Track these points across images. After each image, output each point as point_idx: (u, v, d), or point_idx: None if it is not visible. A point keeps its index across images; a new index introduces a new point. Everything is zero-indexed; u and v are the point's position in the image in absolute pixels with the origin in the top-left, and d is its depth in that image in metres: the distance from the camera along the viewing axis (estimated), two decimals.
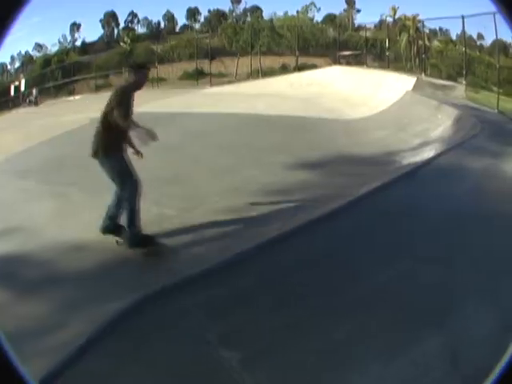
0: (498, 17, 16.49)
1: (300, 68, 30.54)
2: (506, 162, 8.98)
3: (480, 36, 38.44)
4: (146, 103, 15.30)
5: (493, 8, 2.40)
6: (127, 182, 6.28)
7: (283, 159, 10.51)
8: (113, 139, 6.31)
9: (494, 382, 1.86)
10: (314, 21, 44.30)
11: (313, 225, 6.35)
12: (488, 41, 34.44)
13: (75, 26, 47.98)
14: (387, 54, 28.84)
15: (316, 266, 5.57)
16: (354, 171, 9.44)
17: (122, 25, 51.52)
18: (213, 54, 37.06)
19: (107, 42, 47.99)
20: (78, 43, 47.50)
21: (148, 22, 52.70)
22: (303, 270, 5.46)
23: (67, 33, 48.45)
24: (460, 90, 19.91)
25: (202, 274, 5.49)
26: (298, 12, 44.99)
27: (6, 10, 1.84)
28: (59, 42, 47.42)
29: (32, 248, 6.72)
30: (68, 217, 7.93)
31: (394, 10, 39.22)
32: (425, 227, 6.57)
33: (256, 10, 49.74)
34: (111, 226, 6.53)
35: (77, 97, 32.44)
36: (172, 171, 9.65)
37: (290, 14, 45.34)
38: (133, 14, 51.78)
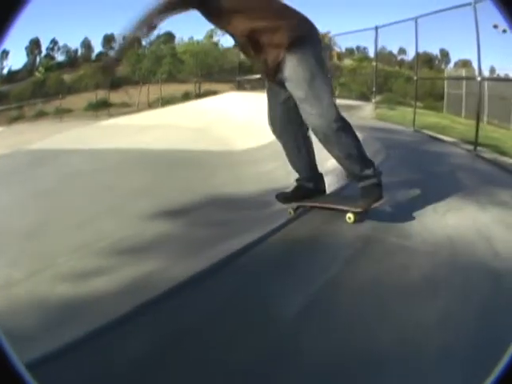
0: (421, 25, 14.97)
1: (202, 95, 29.01)
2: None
3: (402, 51, 38.18)
4: (38, 140, 16.75)
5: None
6: None
7: (150, 206, 8.88)
8: None
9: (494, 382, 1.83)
10: (222, 45, 42.50)
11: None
12: (410, 55, 34.21)
13: (4, 54, 46.99)
14: None
15: None
16: (227, 217, 7.78)
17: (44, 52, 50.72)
18: (118, 83, 36.28)
19: (29, 70, 47.30)
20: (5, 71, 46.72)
21: (67, 50, 52.00)
22: None
23: None
24: (369, 109, 18.34)
25: None
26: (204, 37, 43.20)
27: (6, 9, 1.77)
28: None
29: None
30: None
31: None
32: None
33: (169, 36, 48.36)
34: None
35: None
36: (34, 222, 8.40)
37: (195, 38, 43.64)
38: (54, 42, 51.11)
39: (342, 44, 31.47)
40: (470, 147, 11.51)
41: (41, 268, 6.52)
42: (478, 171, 8.91)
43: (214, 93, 29.41)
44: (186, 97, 33.06)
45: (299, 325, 3.60)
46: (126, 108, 35.30)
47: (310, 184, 5.15)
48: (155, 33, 47.79)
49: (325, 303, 3.90)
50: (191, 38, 43.94)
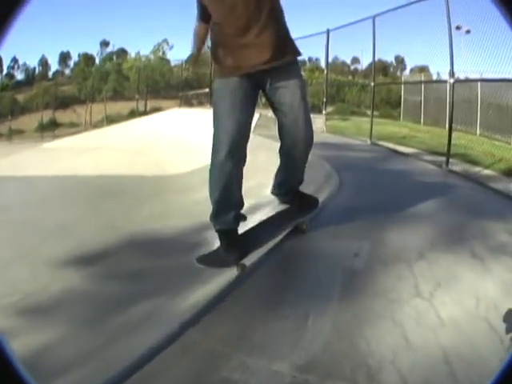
0: (378, 26, 13.90)
1: (148, 112, 28.07)
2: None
3: (355, 60, 37.89)
4: None
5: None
6: None
7: (64, 250, 8.01)
8: None
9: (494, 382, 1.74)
10: (171, 59, 41.41)
11: None
12: (364, 64, 33.73)
13: None
14: None
15: None
16: (142, 266, 6.84)
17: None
18: (66, 103, 35.64)
19: None
20: None
21: (26, 68, 51.60)
22: None
23: None
24: (319, 121, 17.12)
25: None
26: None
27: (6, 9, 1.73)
28: None
29: None
30: None
31: None
32: None
33: (122, 52, 47.56)
34: None
35: None
36: None
37: (142, 53, 42.54)
38: (14, 60, 50.71)
39: None
40: (436, 158, 10.24)
41: None
42: (456, 196, 7.23)
43: (160, 110, 28.30)
44: (132, 115, 31.86)
45: None
46: (74, 128, 34.28)
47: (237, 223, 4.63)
48: (108, 49, 47.40)
49: None
50: (137, 53, 43.21)
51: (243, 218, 4.59)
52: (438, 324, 3.48)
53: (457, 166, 9.39)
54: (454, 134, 10.16)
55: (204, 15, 4.39)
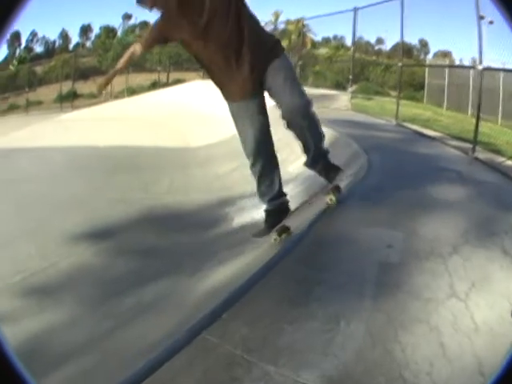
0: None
1: (170, 84, 27.65)
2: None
3: (379, 40, 37.38)
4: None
5: None
6: None
7: (75, 225, 7.59)
8: None
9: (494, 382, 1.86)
10: None
11: None
12: (388, 45, 33.30)
13: None
14: None
15: None
16: (156, 244, 6.50)
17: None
18: (86, 74, 35.47)
19: (8, 63, 46.47)
20: None
21: (45, 41, 51.79)
22: None
23: None
24: (344, 99, 16.78)
25: None
26: None
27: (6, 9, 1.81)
28: None
29: None
30: None
31: (277, 15, 36.47)
32: None
33: (144, 25, 47.15)
34: None
35: None
36: None
37: None
38: (33, 34, 50.81)
39: (317, 32, 30.46)
40: (461, 144, 9.74)
41: None
42: (483, 186, 6.82)
43: (182, 81, 27.79)
44: (154, 86, 31.39)
45: None
46: (94, 99, 33.74)
47: (278, 203, 5.06)
48: (130, 22, 46.97)
49: None
50: None
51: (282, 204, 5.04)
52: (472, 329, 3.22)
53: (481, 153, 8.98)
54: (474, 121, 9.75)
55: (158, 41, 4.70)
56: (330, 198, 5.21)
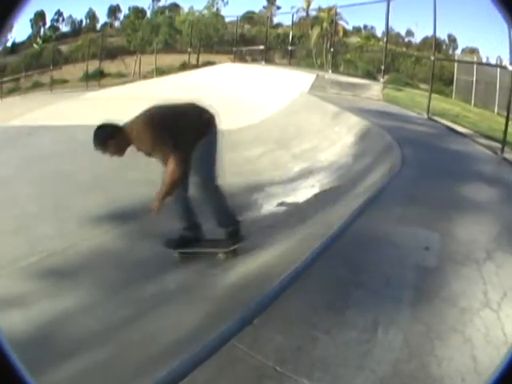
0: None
1: (200, 66, 27.42)
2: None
3: (409, 33, 37.05)
4: (21, 115, 17.40)
5: None
6: None
7: (97, 205, 7.58)
8: None
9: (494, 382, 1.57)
10: (225, 15, 40.49)
11: None
12: (418, 38, 33.10)
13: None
14: (289, 48, 26.68)
15: None
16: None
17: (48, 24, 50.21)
18: (114, 53, 35.66)
19: (32, 42, 45.87)
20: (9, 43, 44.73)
21: (72, 21, 51.59)
22: None
23: None
24: (376, 89, 16.51)
25: None
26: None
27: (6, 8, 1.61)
28: None
29: None
30: None
31: (309, 2, 36.03)
32: None
33: (174, 6, 47.56)
34: None
35: None
36: None
37: (195, 8, 41.72)
38: (59, 13, 50.67)
39: (349, 21, 30.22)
40: (491, 143, 9.62)
41: None
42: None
43: (212, 64, 27.54)
44: (184, 67, 31.13)
45: None
46: (122, 78, 33.54)
47: (190, 232, 5.78)
48: (160, 3, 46.86)
49: None
50: (191, 7, 42.38)
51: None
52: (503, 341, 3.06)
53: (509, 154, 8.80)
54: (500, 119, 9.59)
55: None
56: (222, 256, 5.54)
